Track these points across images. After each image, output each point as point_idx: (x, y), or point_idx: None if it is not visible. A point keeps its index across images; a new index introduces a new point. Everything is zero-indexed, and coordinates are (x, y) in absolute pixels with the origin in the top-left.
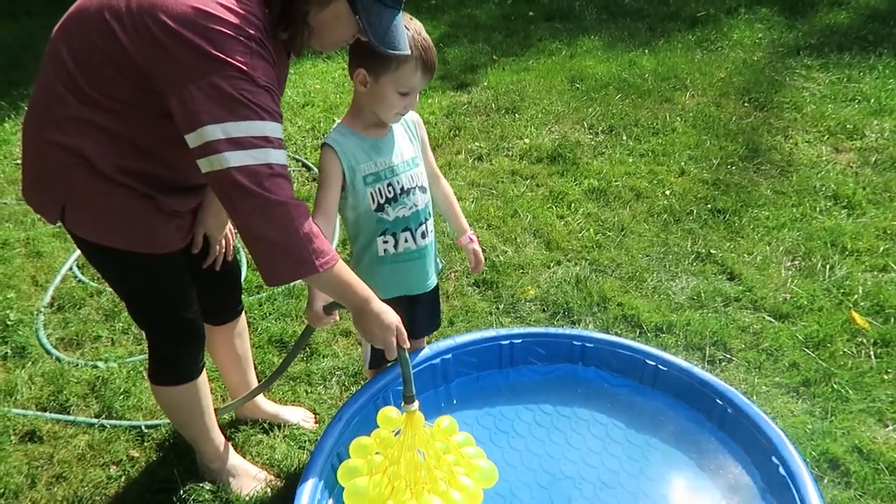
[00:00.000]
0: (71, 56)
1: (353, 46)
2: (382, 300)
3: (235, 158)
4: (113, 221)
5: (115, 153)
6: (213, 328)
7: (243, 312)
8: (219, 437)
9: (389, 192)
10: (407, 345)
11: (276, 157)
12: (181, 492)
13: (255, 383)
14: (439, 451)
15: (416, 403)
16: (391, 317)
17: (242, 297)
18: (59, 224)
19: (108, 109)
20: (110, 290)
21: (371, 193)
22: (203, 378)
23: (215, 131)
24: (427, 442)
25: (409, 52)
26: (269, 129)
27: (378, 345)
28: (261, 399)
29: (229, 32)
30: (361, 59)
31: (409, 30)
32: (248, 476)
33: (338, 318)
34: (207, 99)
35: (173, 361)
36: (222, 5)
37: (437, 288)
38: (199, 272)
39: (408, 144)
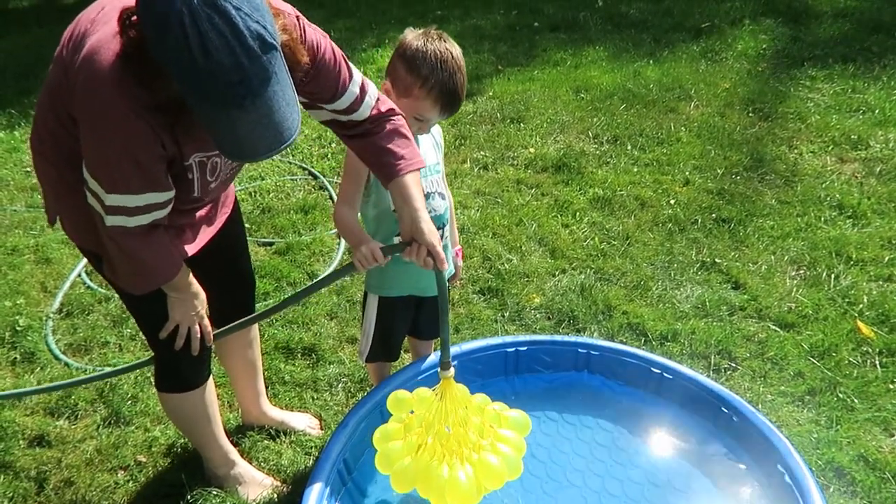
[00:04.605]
0: (50, 73)
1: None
2: (392, 298)
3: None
4: (94, 230)
5: (78, 170)
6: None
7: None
8: (225, 444)
9: None
10: (445, 266)
11: (113, 221)
12: (188, 497)
13: (262, 391)
14: (465, 415)
15: (453, 370)
16: (200, 295)
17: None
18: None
19: (70, 132)
20: (118, 296)
21: None
22: (209, 386)
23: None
24: (454, 408)
25: (256, 159)
26: (110, 199)
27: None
28: (267, 406)
29: (108, 110)
30: (390, 70)
31: (448, 63)
32: (255, 482)
33: (383, 263)
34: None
35: (175, 368)
36: (121, 64)
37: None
38: (213, 280)
39: (431, 151)
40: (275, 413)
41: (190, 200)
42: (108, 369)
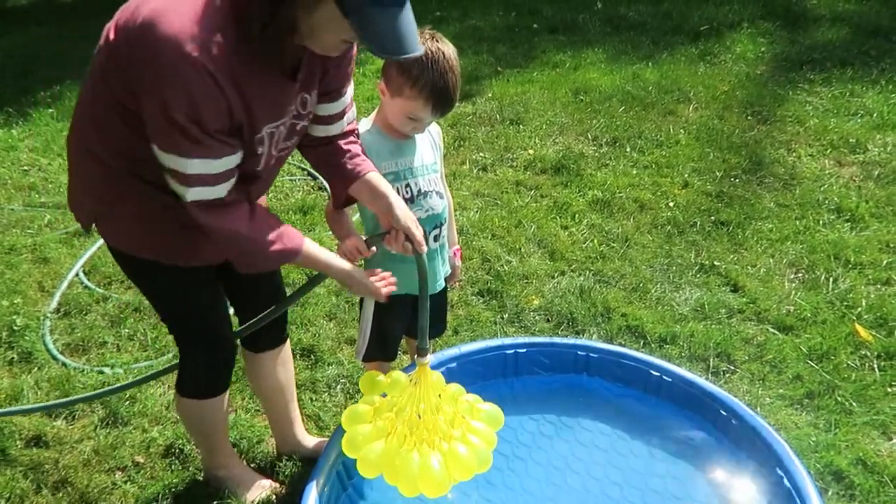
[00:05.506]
0: (96, 64)
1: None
2: (389, 296)
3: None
4: (138, 231)
5: (127, 161)
6: (254, 355)
7: (287, 341)
8: (227, 447)
9: (407, 192)
10: (423, 249)
11: (195, 194)
12: (186, 498)
13: (298, 417)
14: (437, 403)
15: (429, 357)
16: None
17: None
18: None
19: (125, 120)
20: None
21: None
22: (226, 395)
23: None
24: (427, 396)
25: (416, 53)
26: (192, 166)
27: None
28: (303, 434)
29: (176, 68)
30: (384, 71)
31: (439, 62)
32: (253, 484)
33: (367, 253)
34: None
35: (197, 373)
36: (189, 25)
37: (444, 292)
38: (243, 297)
39: (429, 150)
40: (311, 442)
41: (251, 177)
42: (130, 379)
